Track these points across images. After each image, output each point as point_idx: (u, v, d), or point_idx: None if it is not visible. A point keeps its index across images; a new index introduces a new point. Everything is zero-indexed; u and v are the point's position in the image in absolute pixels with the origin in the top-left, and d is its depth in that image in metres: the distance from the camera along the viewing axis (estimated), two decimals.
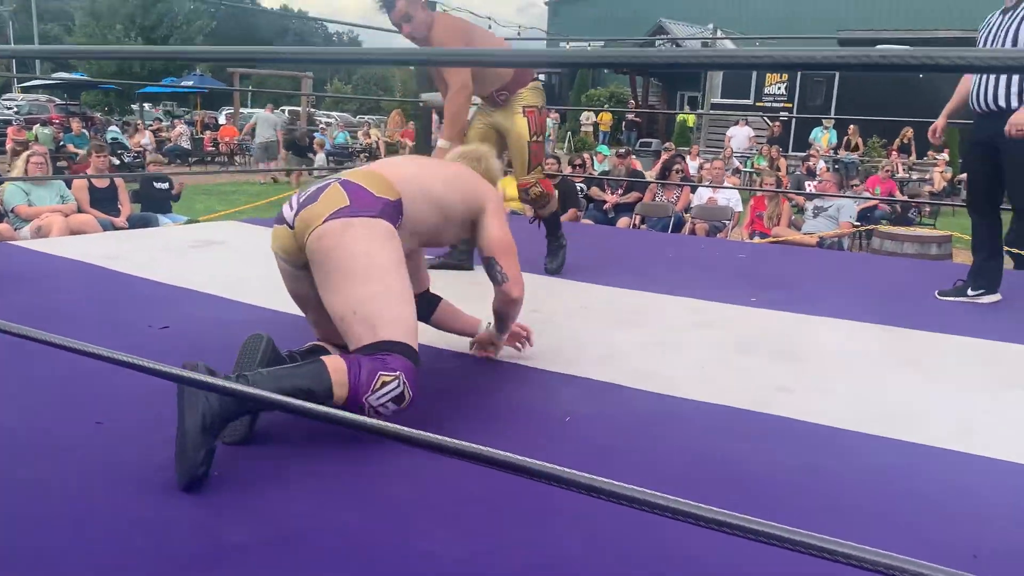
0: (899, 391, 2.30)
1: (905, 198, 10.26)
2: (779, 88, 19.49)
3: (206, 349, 2.33)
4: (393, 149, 23.42)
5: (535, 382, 2.28)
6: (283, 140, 14.49)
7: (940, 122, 3.60)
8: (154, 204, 7.39)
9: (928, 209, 9.99)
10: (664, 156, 10.99)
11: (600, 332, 2.80)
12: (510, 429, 1.96)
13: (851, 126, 16.58)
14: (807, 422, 2.02)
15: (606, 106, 28.05)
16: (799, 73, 19.12)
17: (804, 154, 15.97)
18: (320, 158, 12.47)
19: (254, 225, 4.65)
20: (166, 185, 7.48)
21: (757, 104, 19.47)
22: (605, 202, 8.37)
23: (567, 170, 8.34)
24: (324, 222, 1.78)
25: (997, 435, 1.98)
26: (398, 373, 1.72)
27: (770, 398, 2.19)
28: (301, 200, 1.88)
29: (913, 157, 16.34)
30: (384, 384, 1.70)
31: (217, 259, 3.66)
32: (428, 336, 2.39)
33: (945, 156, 14.80)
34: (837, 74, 18.70)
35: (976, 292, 3.37)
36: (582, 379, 2.30)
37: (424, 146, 5.98)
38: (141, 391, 1.92)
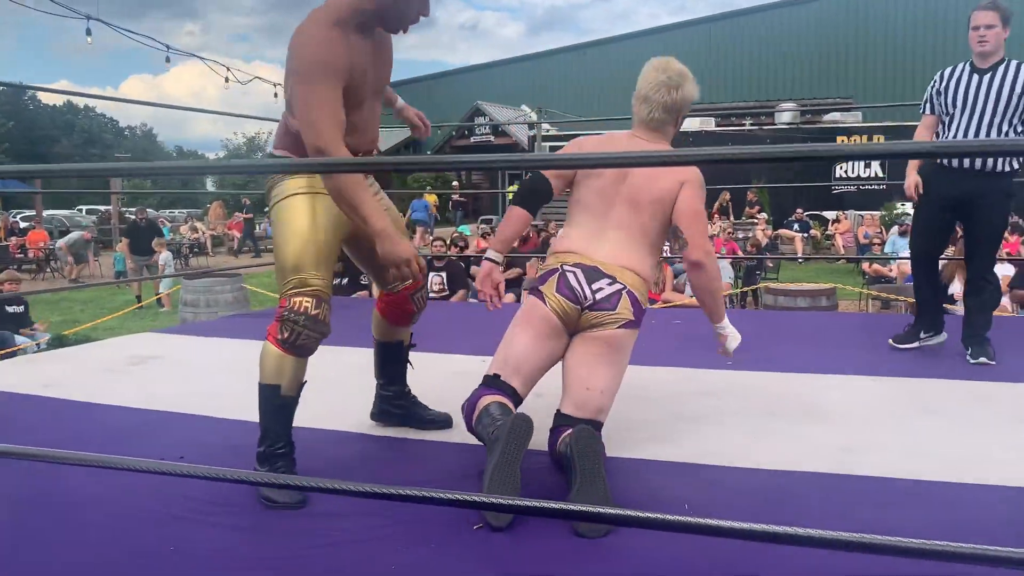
0: (948, 437, 2.43)
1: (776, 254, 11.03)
2: None
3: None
4: (219, 242, 22.51)
5: (611, 468, 2.21)
6: (124, 229, 13.11)
7: (914, 178, 3.62)
8: (2, 322, 6.63)
9: (771, 264, 10.80)
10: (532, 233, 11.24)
11: (615, 408, 2.76)
12: None
13: None
14: (907, 479, 2.09)
15: (428, 188, 28.42)
16: None
17: None
18: (166, 256, 11.66)
19: (175, 335, 4.28)
20: (22, 308, 6.73)
21: None
22: None
23: (451, 250, 8.33)
24: (617, 328, 2.23)
25: None
26: None
27: (845, 459, 2.25)
28: (596, 295, 2.22)
29: (732, 218, 17.67)
30: None
31: (169, 376, 3.32)
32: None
33: (764, 215, 16.16)
34: None
35: (927, 335, 3.64)
36: (653, 462, 2.26)
37: None
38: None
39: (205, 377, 3.27)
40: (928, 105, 3.63)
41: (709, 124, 20.22)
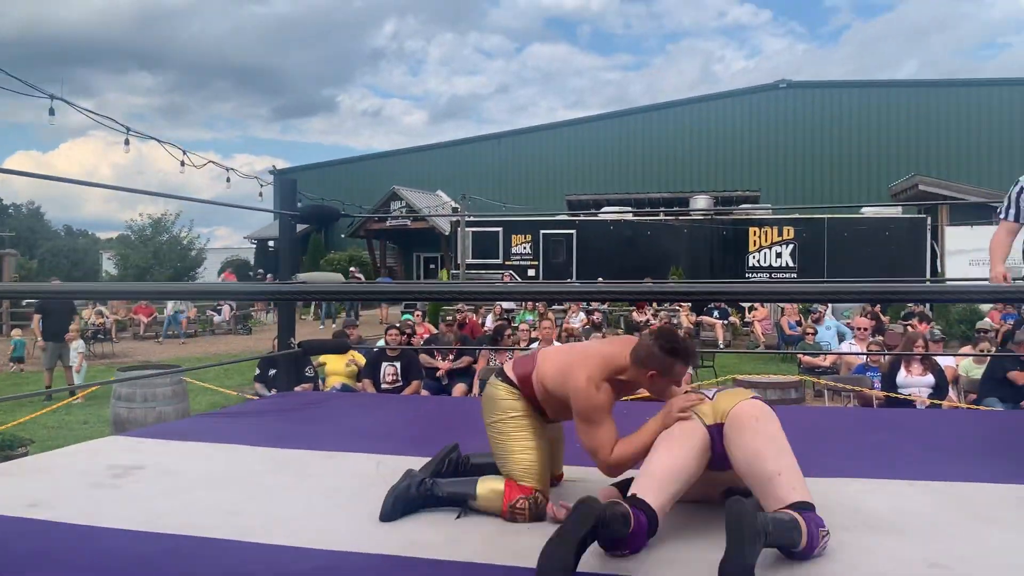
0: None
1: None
2: (525, 248, 20.79)
3: None
4: (123, 326, 21.39)
5: None
6: (36, 306, 11.75)
7: (1001, 270, 3.52)
8: None
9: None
10: (469, 317, 11.12)
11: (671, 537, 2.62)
12: None
13: (600, 278, 18.04)
14: None
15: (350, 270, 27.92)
16: (541, 232, 20.63)
17: (562, 307, 17.05)
18: (79, 345, 10.90)
19: (146, 440, 3.93)
20: None
21: (506, 263, 20.57)
22: (437, 369, 8.19)
23: (400, 339, 8.09)
24: None
25: None
26: (825, 529, 2.28)
27: None
28: None
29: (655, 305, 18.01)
30: (823, 537, 2.26)
31: (165, 490, 2.99)
32: None
33: (688, 303, 16.54)
34: (575, 233, 20.43)
35: None
36: None
37: (286, 333, 5.50)
38: None
39: (207, 491, 2.96)
40: (1011, 211, 3.46)
41: (627, 213, 20.80)
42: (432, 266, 30.46)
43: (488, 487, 2.65)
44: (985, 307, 16.51)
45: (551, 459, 2.82)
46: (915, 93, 26.92)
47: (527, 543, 2.41)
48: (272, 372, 7.75)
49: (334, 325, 19.56)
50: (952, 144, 26.00)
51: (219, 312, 22.29)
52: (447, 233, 25.31)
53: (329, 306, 21.45)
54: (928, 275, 16.92)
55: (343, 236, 30.70)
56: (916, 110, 26.61)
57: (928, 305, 16.36)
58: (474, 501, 2.64)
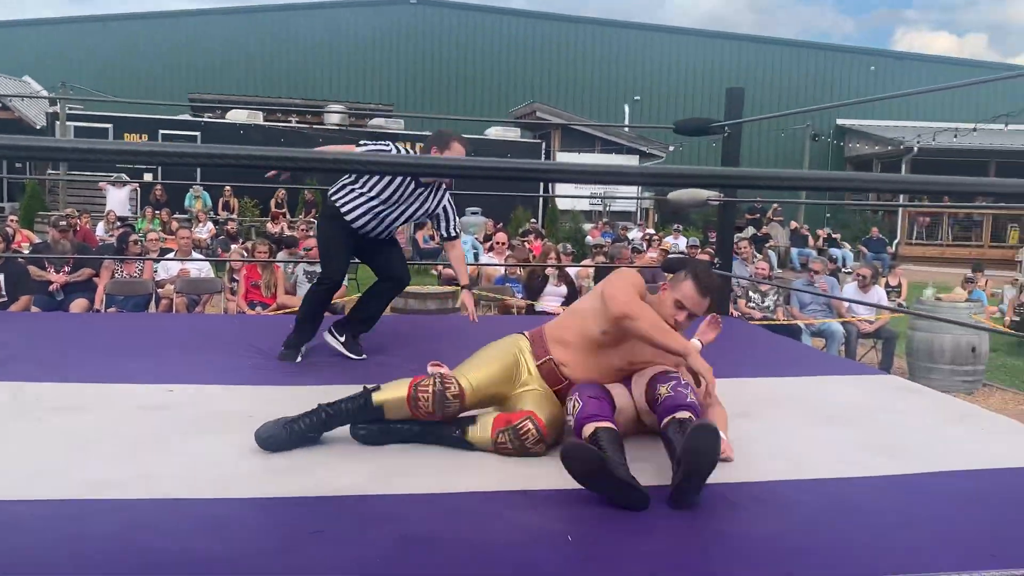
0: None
1: None
2: None
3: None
4: None
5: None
6: None
7: None
8: None
9: None
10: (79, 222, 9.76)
11: None
12: None
13: (227, 188, 16.92)
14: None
15: None
16: (160, 133, 18.76)
17: (185, 215, 15.77)
18: None
19: None
20: None
21: (116, 165, 18.37)
22: (51, 283, 7.08)
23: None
24: None
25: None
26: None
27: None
28: None
29: (289, 216, 17.41)
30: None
31: None
32: None
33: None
34: (199, 136, 18.88)
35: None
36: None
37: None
38: None
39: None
40: None
41: (257, 118, 19.69)
42: (19, 165, 26.40)
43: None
44: (587, 226, 18.68)
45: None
46: (531, 23, 28.89)
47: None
48: None
49: None
50: (563, 75, 28.44)
51: None
52: (39, 127, 21.86)
53: None
54: (541, 193, 18.37)
55: None
56: (533, 40, 28.62)
57: (540, 224, 18.02)
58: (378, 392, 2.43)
